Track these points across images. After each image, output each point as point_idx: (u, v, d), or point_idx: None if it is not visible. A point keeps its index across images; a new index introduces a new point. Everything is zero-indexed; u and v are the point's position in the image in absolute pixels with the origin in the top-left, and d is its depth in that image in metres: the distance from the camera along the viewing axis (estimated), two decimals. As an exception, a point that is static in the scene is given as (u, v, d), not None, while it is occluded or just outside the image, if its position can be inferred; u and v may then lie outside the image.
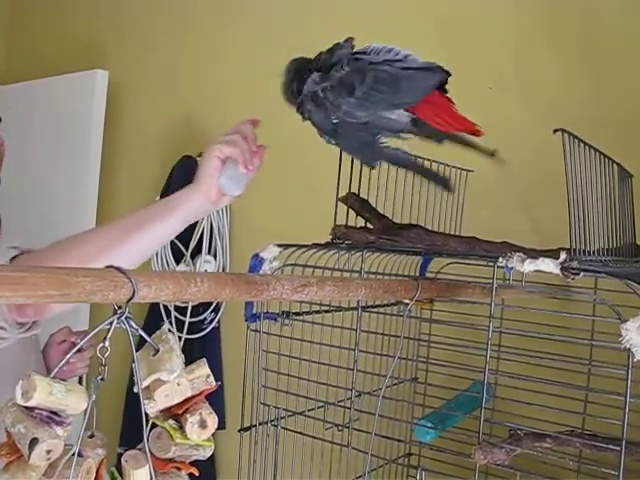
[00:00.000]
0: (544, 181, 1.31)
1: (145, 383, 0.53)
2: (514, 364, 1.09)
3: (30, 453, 0.43)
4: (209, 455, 0.57)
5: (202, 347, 2.16)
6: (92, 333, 0.47)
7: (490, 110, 1.67)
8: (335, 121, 1.01)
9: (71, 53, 2.88)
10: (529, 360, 1.05)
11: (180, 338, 2.12)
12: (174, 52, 2.50)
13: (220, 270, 2.20)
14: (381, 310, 1.18)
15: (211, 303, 2.15)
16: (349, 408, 1.10)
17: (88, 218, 2.56)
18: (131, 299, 0.48)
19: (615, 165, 1.10)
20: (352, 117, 1.00)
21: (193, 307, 2.17)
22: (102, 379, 0.49)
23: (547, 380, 0.97)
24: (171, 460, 0.56)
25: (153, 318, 2.21)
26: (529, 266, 0.81)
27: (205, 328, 2.18)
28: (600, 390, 0.97)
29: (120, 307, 0.49)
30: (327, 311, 1.19)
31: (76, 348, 0.47)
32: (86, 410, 0.48)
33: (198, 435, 0.55)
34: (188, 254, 2.19)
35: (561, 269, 0.79)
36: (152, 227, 1.02)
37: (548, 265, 0.80)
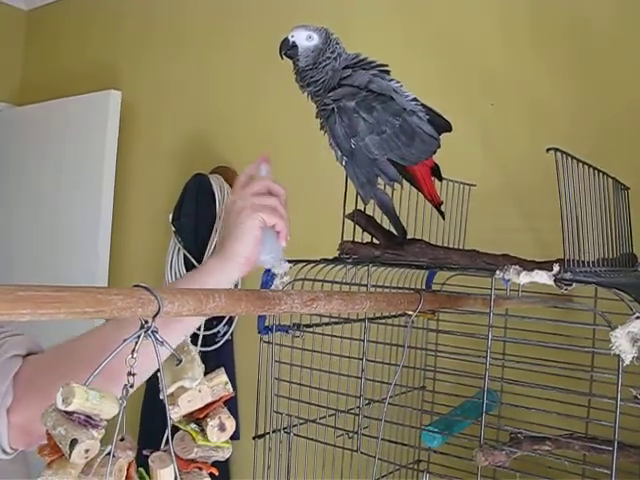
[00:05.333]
0: (544, 193, 1.36)
1: (170, 390, 0.59)
2: (519, 372, 1.12)
3: (71, 452, 0.49)
4: (227, 456, 0.62)
5: (216, 359, 2.19)
6: (122, 346, 0.52)
7: (492, 125, 1.73)
8: (353, 145, 1.04)
9: (85, 74, 2.94)
10: (533, 368, 1.08)
11: (195, 351, 2.16)
12: (186, 72, 2.56)
13: (233, 285, 2.24)
14: (388, 321, 1.22)
15: (224, 317, 2.19)
16: (359, 415, 1.14)
17: (103, 236, 2.62)
18: (157, 314, 0.53)
19: (610, 179, 1.14)
20: (367, 151, 1.03)
21: (207, 321, 2.20)
22: (131, 386, 0.55)
23: (550, 387, 1.00)
24: (193, 461, 0.61)
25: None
26: (524, 278, 0.85)
27: (219, 341, 2.21)
28: (599, 395, 1.01)
29: (147, 322, 0.54)
30: (336, 323, 1.24)
31: (109, 356, 0.52)
32: (118, 415, 0.53)
33: (218, 437, 0.60)
34: (201, 269, 2.22)
35: (555, 280, 0.84)
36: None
37: (542, 277, 0.84)
